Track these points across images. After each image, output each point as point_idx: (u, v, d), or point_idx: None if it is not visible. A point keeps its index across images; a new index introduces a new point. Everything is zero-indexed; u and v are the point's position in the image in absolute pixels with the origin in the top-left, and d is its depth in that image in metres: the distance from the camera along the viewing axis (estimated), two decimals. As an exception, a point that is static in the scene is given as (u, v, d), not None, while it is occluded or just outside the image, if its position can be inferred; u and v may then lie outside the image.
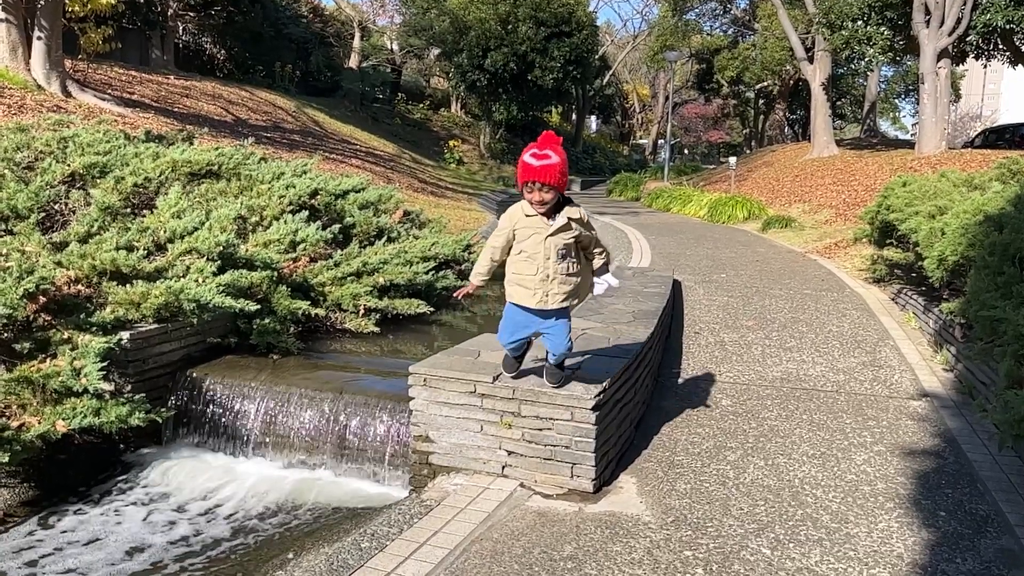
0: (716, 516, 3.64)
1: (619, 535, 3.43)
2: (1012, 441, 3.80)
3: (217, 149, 8.56)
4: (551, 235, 3.44)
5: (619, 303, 6.22)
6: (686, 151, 56.07)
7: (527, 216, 3.46)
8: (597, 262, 3.74)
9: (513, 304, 3.64)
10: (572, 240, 3.50)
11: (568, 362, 4.01)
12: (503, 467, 3.98)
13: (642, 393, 4.96)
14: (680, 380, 5.77)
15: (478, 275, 3.67)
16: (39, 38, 13.45)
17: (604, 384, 3.86)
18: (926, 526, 3.59)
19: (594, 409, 3.75)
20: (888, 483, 4.05)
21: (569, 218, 3.46)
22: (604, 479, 3.95)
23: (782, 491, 3.93)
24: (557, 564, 3.16)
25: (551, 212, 3.44)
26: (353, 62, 37.26)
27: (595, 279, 3.76)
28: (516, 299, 3.60)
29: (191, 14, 25.98)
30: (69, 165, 6.95)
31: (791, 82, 37.09)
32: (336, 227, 7.98)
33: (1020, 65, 20.78)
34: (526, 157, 3.36)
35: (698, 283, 9.44)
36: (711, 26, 40.56)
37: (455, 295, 3.77)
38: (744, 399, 5.37)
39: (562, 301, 3.54)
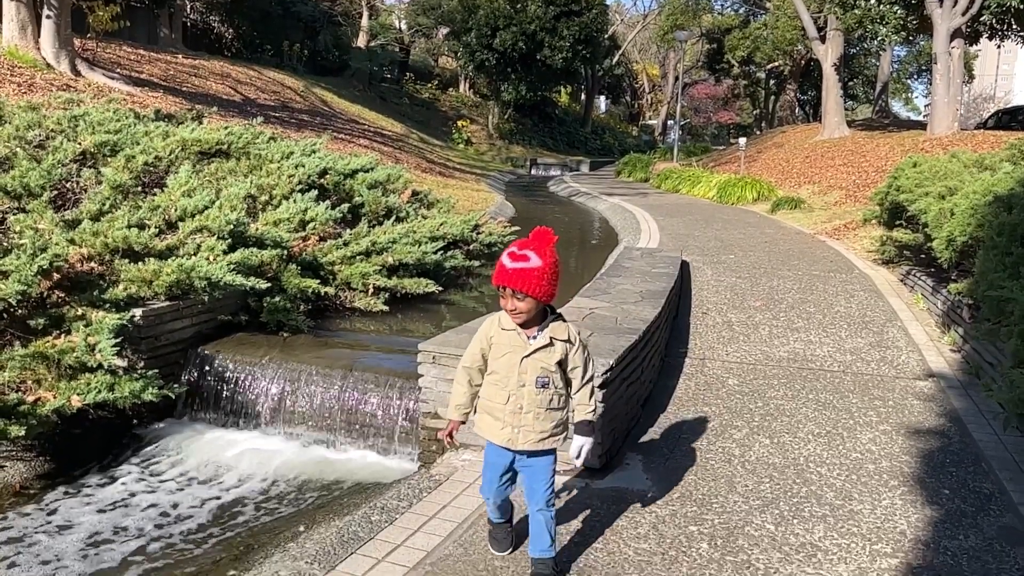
0: (721, 492, 3.68)
1: (625, 510, 3.47)
2: (1017, 420, 3.83)
3: (226, 128, 8.58)
4: (528, 356, 2.72)
5: (627, 283, 6.24)
6: (685, 132, 55.71)
7: (504, 330, 2.75)
8: (579, 412, 2.82)
9: (487, 441, 2.88)
10: (556, 365, 2.75)
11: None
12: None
13: (649, 372, 4.99)
14: (687, 360, 5.80)
15: (456, 408, 2.85)
16: (48, 17, 13.44)
17: (611, 362, 3.89)
18: (930, 504, 3.62)
19: (601, 387, 3.79)
20: (893, 462, 4.08)
21: (553, 337, 2.73)
22: (611, 455, 4.00)
23: (787, 469, 3.97)
24: (563, 538, 3.21)
25: (533, 325, 2.74)
26: (361, 41, 37.13)
27: (574, 436, 2.83)
28: (484, 431, 2.84)
29: (199, -8, 25.94)
30: (80, 144, 6.98)
31: (802, 62, 36.78)
32: (345, 206, 8.01)
33: (1035, 45, 20.55)
34: (503, 256, 2.69)
35: (706, 264, 9.44)
36: (722, 5, 40.33)
37: (440, 436, 2.94)
38: (750, 379, 5.40)
39: (537, 442, 2.76)
